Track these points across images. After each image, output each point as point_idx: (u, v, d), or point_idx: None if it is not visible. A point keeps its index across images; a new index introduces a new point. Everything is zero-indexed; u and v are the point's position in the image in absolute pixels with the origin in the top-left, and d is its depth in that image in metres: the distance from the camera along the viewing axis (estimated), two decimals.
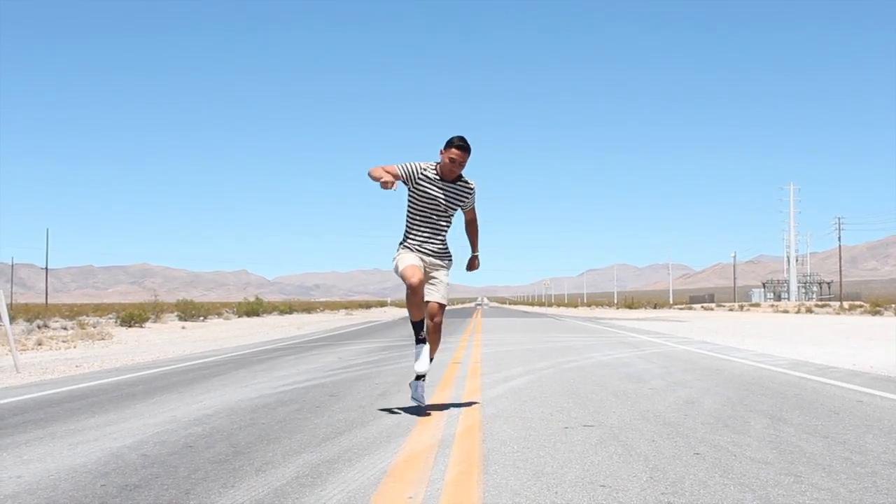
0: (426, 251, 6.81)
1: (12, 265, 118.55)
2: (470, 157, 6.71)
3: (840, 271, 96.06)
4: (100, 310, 56.32)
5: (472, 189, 6.92)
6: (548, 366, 11.54)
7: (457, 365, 11.75)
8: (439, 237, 6.87)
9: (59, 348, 19.86)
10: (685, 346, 16.85)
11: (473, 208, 7.09)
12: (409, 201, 6.84)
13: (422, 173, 6.74)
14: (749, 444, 5.42)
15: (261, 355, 15.30)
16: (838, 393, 8.24)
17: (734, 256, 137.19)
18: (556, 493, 4.12)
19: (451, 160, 6.65)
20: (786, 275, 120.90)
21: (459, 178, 6.84)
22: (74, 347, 20.22)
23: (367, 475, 4.54)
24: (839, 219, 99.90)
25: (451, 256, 7.00)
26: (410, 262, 6.67)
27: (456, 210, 6.92)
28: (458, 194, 6.84)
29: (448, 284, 6.93)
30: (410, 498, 4.06)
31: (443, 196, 6.76)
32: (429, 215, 6.80)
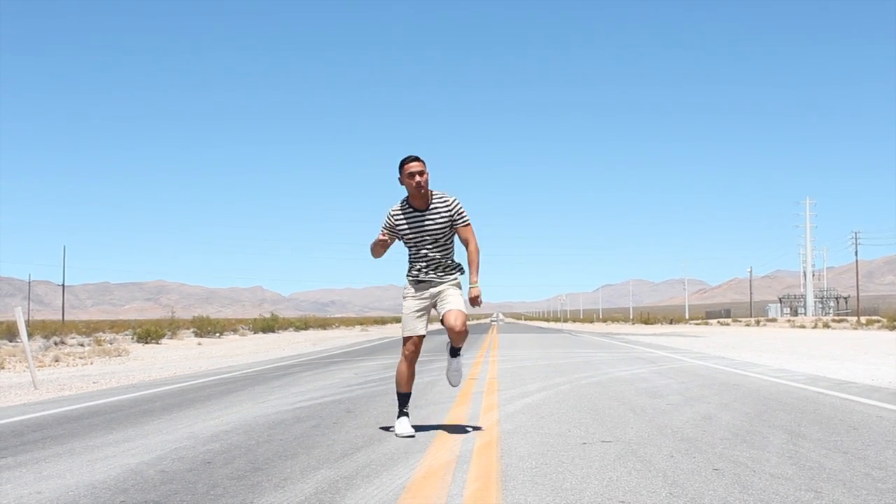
0: (429, 279, 6.61)
1: (29, 282, 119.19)
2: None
3: (857, 286, 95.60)
4: (116, 326, 56.53)
5: (450, 203, 6.56)
6: (565, 381, 11.52)
7: (473, 381, 11.74)
8: (439, 263, 6.61)
9: (76, 365, 19.94)
10: (702, 361, 16.79)
11: (467, 227, 6.63)
12: (404, 243, 6.72)
13: (394, 217, 6.60)
14: (768, 459, 5.39)
15: (277, 371, 15.33)
16: (857, 408, 8.19)
17: (750, 271, 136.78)
18: None
19: (411, 175, 6.43)
20: (802, 290, 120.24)
21: (432, 197, 6.57)
22: (91, 364, 20.29)
23: (385, 491, 4.54)
24: (856, 233, 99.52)
25: (459, 270, 6.71)
26: (414, 326, 6.64)
27: (445, 233, 6.56)
28: (436, 215, 6.53)
29: (460, 296, 6.65)
30: None
31: (419, 227, 6.53)
32: (419, 249, 6.60)
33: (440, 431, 6.75)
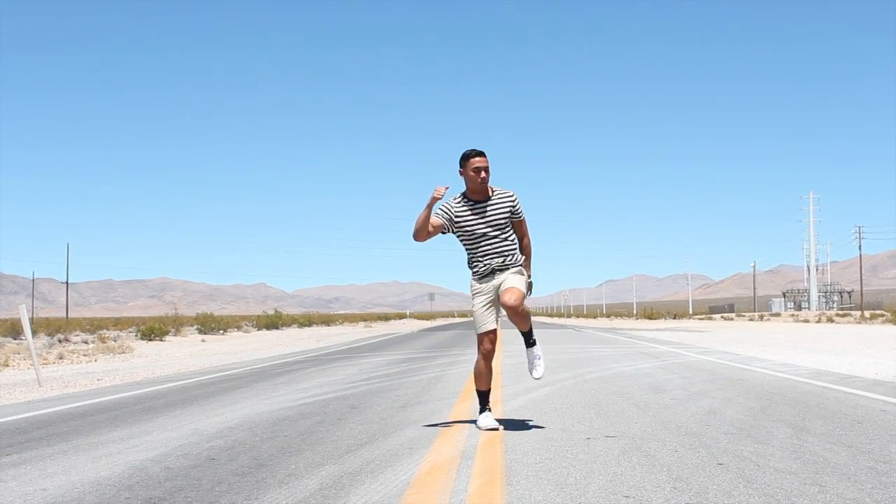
0: (492, 272, 6.52)
1: (33, 280, 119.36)
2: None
3: (861, 280, 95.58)
4: (120, 323, 56.54)
5: (510, 197, 6.59)
6: (568, 377, 11.52)
7: None
8: (501, 256, 6.52)
9: (81, 362, 19.96)
10: (706, 356, 16.77)
11: (522, 221, 6.71)
12: (460, 240, 6.65)
13: (455, 209, 6.53)
14: (772, 454, 5.39)
15: (281, 368, 15.35)
16: (861, 402, 8.19)
17: (754, 266, 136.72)
18: (580, 503, 4.12)
19: (476, 170, 6.44)
20: (806, 284, 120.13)
21: (492, 192, 6.59)
22: (95, 361, 20.32)
23: (390, 487, 4.55)
24: (859, 227, 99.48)
25: (518, 261, 6.62)
26: (486, 322, 6.52)
27: (507, 224, 6.57)
28: (498, 206, 6.54)
29: (525, 281, 6.54)
30: None
31: (483, 221, 6.50)
32: (482, 241, 6.52)
33: (444, 427, 6.76)
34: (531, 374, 6.87)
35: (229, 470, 5.14)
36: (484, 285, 6.56)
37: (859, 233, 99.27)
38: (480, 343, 6.59)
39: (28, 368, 17.14)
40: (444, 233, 6.57)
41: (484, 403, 6.71)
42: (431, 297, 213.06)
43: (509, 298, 6.35)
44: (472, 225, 6.51)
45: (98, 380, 13.46)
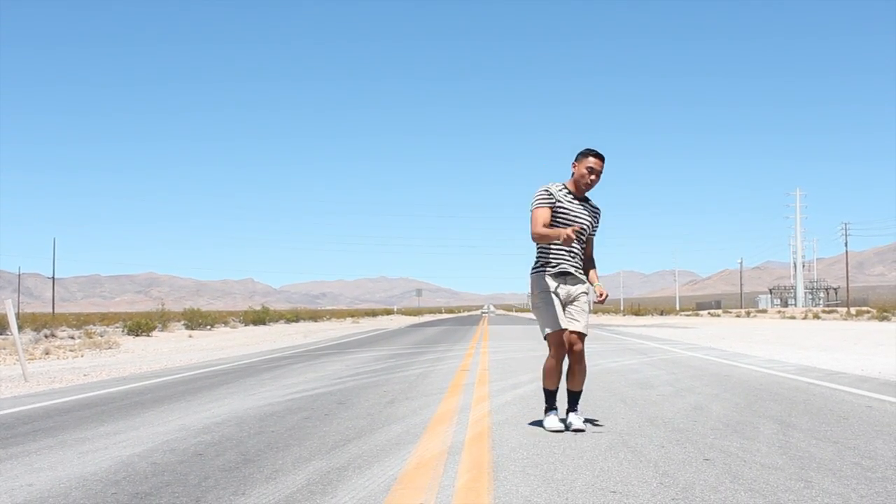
0: (567, 272, 6.28)
1: (19, 275, 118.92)
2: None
3: (847, 277, 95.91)
4: (107, 319, 56.32)
5: (598, 211, 6.51)
6: None
7: (465, 372, 11.75)
8: (575, 259, 6.33)
9: (67, 357, 19.89)
10: (693, 352, 16.83)
11: (593, 237, 6.54)
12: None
13: (559, 193, 6.30)
14: (758, 449, 5.41)
15: (268, 363, 15.32)
16: (847, 398, 8.23)
17: (741, 263, 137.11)
18: (567, 498, 4.13)
19: (590, 169, 6.24)
20: (793, 281, 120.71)
21: (587, 197, 6.43)
22: (82, 356, 20.25)
23: (377, 482, 4.55)
24: (846, 224, 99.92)
25: (583, 273, 6.43)
26: (560, 319, 6.22)
27: (586, 234, 6.38)
28: (589, 212, 6.39)
29: (588, 311, 6.33)
30: None
31: (577, 214, 6.27)
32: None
33: (432, 422, 6.76)
34: (547, 424, 6.33)
35: (216, 465, 5.13)
36: (558, 285, 6.30)
37: (845, 230, 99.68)
38: (552, 344, 6.28)
39: (14, 364, 17.07)
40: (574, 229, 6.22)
41: (552, 403, 6.41)
42: (419, 293, 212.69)
43: (576, 344, 6.28)
44: (565, 216, 6.25)
45: (84, 375, 13.42)
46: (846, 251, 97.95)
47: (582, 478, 4.58)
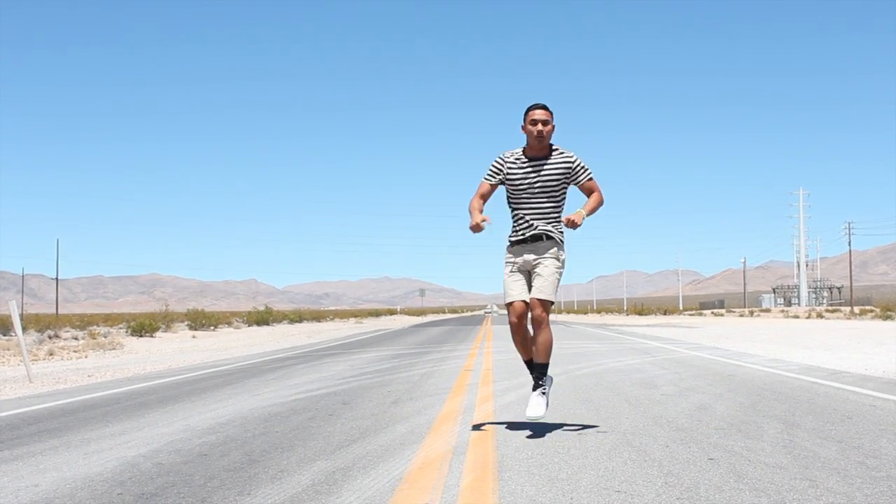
0: (527, 241, 6.17)
1: (23, 276, 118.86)
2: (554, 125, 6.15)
3: (850, 276, 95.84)
4: (110, 320, 56.42)
5: (571, 158, 6.18)
6: (559, 372, 11.53)
7: (469, 372, 11.76)
8: (543, 220, 6.16)
9: (71, 358, 19.91)
10: (696, 352, 16.82)
11: (592, 180, 6.24)
12: (507, 198, 6.33)
13: (506, 162, 6.21)
14: (763, 449, 5.41)
15: (272, 364, 15.33)
16: (851, 397, 8.22)
17: (744, 262, 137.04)
18: (572, 498, 4.13)
19: (534, 122, 6.07)
20: (796, 280, 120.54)
21: (552, 151, 6.21)
22: (86, 357, 20.27)
23: (382, 482, 4.55)
24: (849, 223, 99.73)
25: (561, 239, 6.24)
26: (511, 292, 6.18)
27: (560, 187, 6.18)
28: (554, 167, 6.15)
29: (557, 274, 6.15)
30: None
31: (534, 174, 6.13)
32: (526, 198, 6.18)
33: (436, 423, 6.76)
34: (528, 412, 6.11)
35: (221, 466, 5.13)
36: (517, 256, 6.23)
37: (849, 229, 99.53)
38: (508, 315, 6.24)
39: (18, 365, 17.10)
40: (488, 218, 6.18)
41: (531, 374, 6.31)
42: (422, 293, 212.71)
43: (535, 309, 6.11)
44: (518, 182, 6.17)
45: (89, 376, 13.43)
46: (850, 250, 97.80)
47: (586, 477, 4.59)
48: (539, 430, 6.27)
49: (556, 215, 6.24)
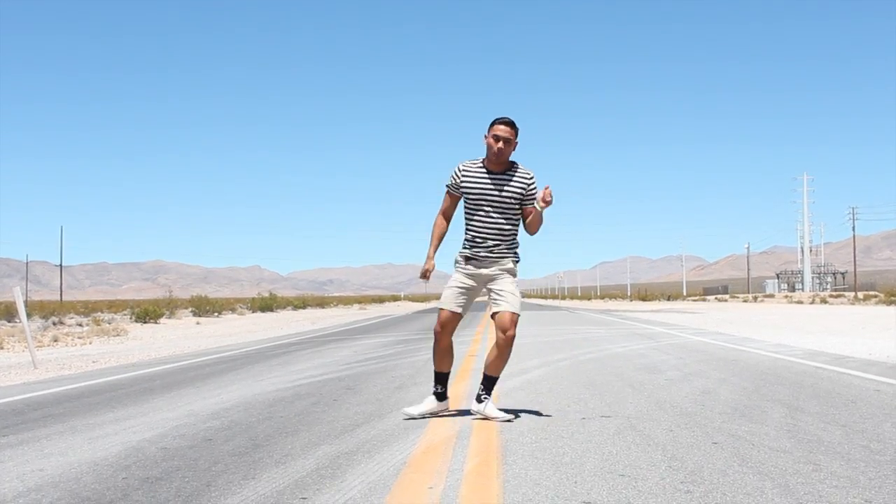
0: (481, 256, 6.07)
1: (27, 263, 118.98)
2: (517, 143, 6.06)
3: (854, 261, 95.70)
4: (114, 306, 56.43)
5: (528, 177, 6.05)
6: (564, 357, 11.54)
7: (473, 357, 11.76)
8: (498, 237, 6.07)
9: (75, 344, 19.96)
10: (700, 337, 16.83)
11: (531, 205, 6.10)
12: (465, 204, 6.19)
13: (464, 171, 6.10)
14: (767, 433, 5.42)
15: (276, 350, 15.36)
16: (855, 382, 8.22)
17: (748, 247, 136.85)
18: (576, 482, 4.13)
19: (496, 138, 5.93)
20: (800, 265, 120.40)
21: (511, 166, 6.09)
22: (90, 343, 20.32)
23: (386, 466, 4.56)
24: (853, 208, 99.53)
25: (516, 257, 6.17)
26: (447, 299, 6.12)
27: (516, 204, 6.05)
28: (510, 184, 6.02)
29: (516, 292, 6.09)
30: (430, 488, 4.07)
31: (493, 186, 6.01)
32: (483, 211, 6.06)
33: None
34: (409, 409, 6.33)
35: (226, 450, 5.15)
36: (470, 269, 6.12)
37: (853, 214, 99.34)
38: (437, 322, 6.18)
39: (23, 351, 17.14)
40: (430, 273, 6.37)
41: (436, 385, 6.34)
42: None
43: (508, 330, 5.98)
44: (473, 195, 6.07)
45: (93, 362, 13.46)
46: (853, 235, 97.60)
47: (590, 461, 4.59)
48: (542, 414, 6.28)
49: (512, 235, 6.16)
